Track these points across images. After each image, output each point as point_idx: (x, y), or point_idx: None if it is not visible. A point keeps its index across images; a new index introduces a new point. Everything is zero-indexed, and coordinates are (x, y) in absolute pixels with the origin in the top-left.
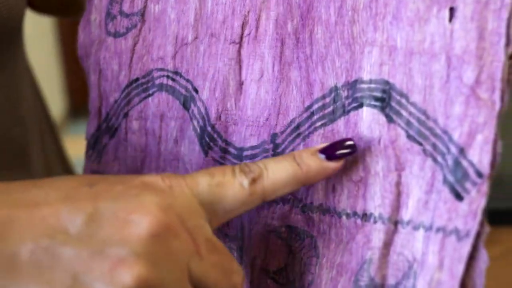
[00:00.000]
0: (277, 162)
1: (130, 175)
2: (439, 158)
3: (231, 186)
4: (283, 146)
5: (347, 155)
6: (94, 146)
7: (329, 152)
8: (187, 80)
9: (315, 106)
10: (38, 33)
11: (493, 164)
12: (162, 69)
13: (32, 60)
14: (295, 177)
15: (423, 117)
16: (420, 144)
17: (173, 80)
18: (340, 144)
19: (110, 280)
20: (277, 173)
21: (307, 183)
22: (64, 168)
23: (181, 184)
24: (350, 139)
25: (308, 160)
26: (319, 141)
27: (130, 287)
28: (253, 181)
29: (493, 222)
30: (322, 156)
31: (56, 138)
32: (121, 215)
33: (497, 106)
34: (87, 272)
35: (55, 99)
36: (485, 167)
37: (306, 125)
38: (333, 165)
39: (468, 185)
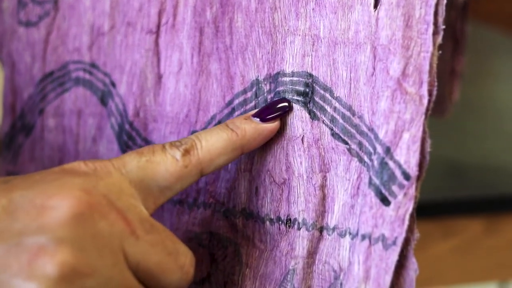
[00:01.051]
0: (210, 131)
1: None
2: (366, 158)
3: (163, 160)
4: None
5: (282, 116)
6: (9, 146)
7: (263, 115)
8: (105, 74)
9: (236, 101)
10: None
11: (421, 165)
12: (78, 62)
13: None
14: (231, 142)
15: (348, 113)
16: (346, 142)
17: (90, 73)
18: (273, 106)
19: (30, 273)
20: (211, 141)
21: (245, 149)
22: None
23: (107, 166)
24: (284, 100)
25: (242, 125)
26: None
27: (54, 277)
28: (186, 152)
29: (452, 212)
30: (257, 120)
31: None
32: (39, 202)
33: (425, 101)
34: (3, 269)
35: None
36: (413, 169)
37: None
38: (270, 126)
39: (395, 188)
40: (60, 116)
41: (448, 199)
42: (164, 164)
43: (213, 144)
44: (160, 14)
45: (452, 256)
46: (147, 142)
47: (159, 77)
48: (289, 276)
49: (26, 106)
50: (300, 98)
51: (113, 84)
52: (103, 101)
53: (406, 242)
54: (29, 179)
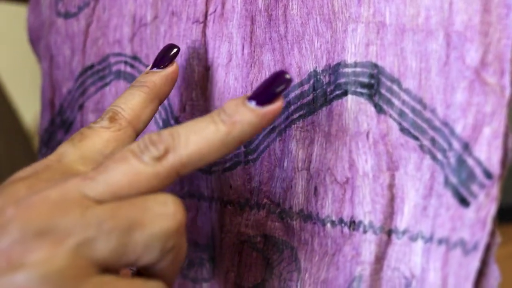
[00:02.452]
0: (124, 95)
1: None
2: (439, 156)
3: (93, 133)
4: (256, 143)
5: (173, 58)
6: (48, 143)
7: (159, 63)
8: (147, 66)
9: (292, 95)
10: (13, 32)
11: (504, 162)
12: (119, 54)
13: (6, 61)
14: (147, 96)
15: (418, 107)
16: (416, 138)
17: (132, 66)
18: (166, 54)
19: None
20: (131, 102)
21: (161, 96)
22: None
23: (44, 162)
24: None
25: (150, 78)
26: (297, 136)
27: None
28: (112, 118)
29: (507, 218)
30: (155, 69)
31: (27, 143)
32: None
33: (507, 92)
34: None
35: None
36: (495, 166)
37: (282, 117)
38: (171, 68)
39: (474, 187)
40: (101, 112)
41: (506, 204)
42: (97, 134)
43: (133, 103)
44: (207, 2)
45: (505, 264)
46: None
47: (206, 70)
48: (355, 283)
49: (65, 101)
50: (364, 91)
51: None
52: None
53: (487, 247)
54: None
